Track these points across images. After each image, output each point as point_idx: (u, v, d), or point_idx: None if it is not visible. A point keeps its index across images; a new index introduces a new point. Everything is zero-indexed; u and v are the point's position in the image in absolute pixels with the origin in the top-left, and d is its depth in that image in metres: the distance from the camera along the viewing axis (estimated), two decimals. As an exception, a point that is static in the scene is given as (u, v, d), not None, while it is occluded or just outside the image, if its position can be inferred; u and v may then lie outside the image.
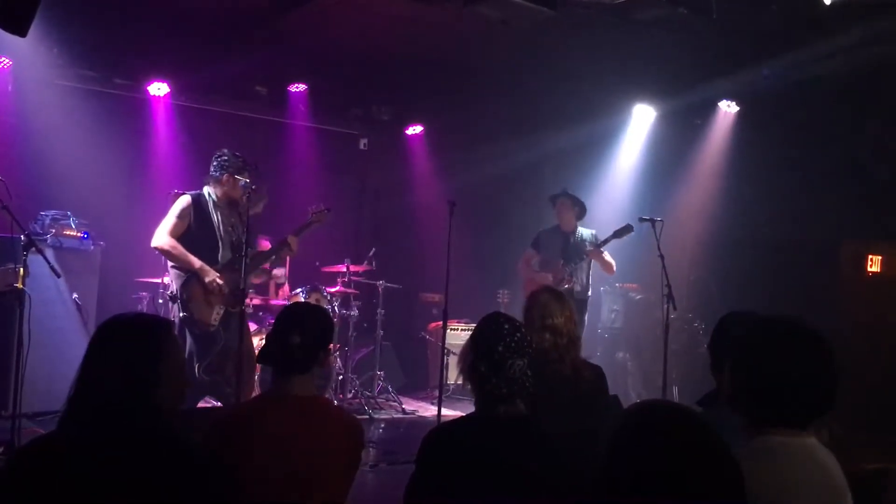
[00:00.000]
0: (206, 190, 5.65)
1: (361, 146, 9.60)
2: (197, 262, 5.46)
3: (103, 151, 7.52)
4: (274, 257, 6.34)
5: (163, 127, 7.95)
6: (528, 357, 2.56)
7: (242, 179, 5.46)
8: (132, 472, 2.01)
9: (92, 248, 6.87)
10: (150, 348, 2.14)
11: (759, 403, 2.00)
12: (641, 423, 1.62)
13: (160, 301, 6.63)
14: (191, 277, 5.53)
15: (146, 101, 7.87)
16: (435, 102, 8.79)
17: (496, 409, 2.54)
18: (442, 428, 2.64)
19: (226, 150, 5.65)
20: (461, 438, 2.54)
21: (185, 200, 5.60)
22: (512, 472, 2.41)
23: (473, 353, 2.59)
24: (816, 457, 1.97)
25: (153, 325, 2.24)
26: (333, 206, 6.83)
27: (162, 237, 5.48)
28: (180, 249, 5.46)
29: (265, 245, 7.70)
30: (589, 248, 7.19)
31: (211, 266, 5.54)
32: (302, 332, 2.69)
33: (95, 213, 7.12)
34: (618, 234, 7.02)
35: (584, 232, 7.43)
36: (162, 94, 7.83)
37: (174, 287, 5.62)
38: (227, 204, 5.65)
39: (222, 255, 5.60)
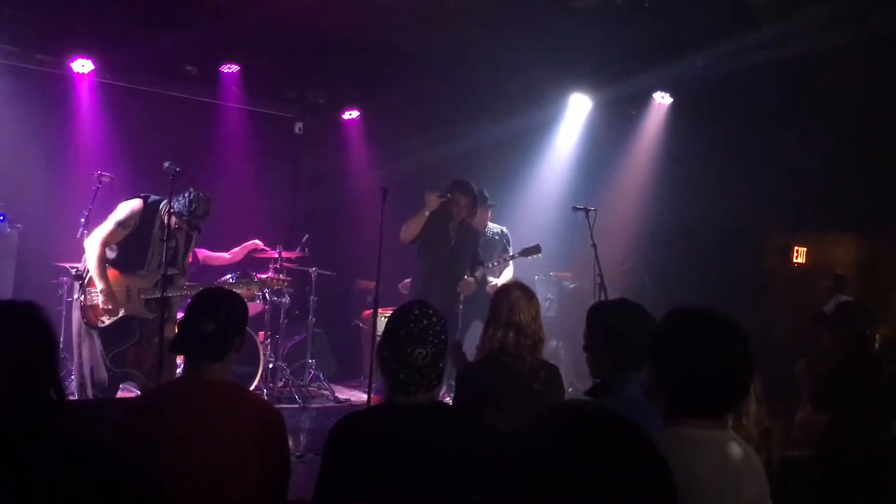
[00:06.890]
0: (163, 205, 5.47)
1: (297, 130, 9.40)
2: (101, 286, 5.37)
3: (22, 130, 7.21)
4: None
5: (86, 106, 7.62)
6: (433, 347, 2.40)
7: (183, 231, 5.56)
8: (20, 468, 1.92)
9: (8, 230, 6.65)
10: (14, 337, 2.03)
11: (674, 394, 1.98)
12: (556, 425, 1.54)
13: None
14: None
15: (69, 78, 7.53)
16: (372, 87, 8.66)
17: (396, 397, 2.44)
18: (344, 418, 2.53)
19: (203, 200, 5.50)
20: (361, 428, 2.45)
21: (135, 205, 5.46)
22: (408, 460, 2.32)
23: (382, 337, 2.51)
24: (727, 448, 1.95)
25: (13, 313, 2.13)
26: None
27: (94, 246, 5.39)
28: (98, 268, 5.37)
29: (199, 254, 7.52)
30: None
31: (132, 272, 5.46)
32: (213, 318, 2.61)
33: (13, 194, 6.85)
34: (525, 252, 6.89)
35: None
36: (86, 72, 7.50)
37: (84, 269, 5.52)
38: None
39: (148, 267, 5.52)
